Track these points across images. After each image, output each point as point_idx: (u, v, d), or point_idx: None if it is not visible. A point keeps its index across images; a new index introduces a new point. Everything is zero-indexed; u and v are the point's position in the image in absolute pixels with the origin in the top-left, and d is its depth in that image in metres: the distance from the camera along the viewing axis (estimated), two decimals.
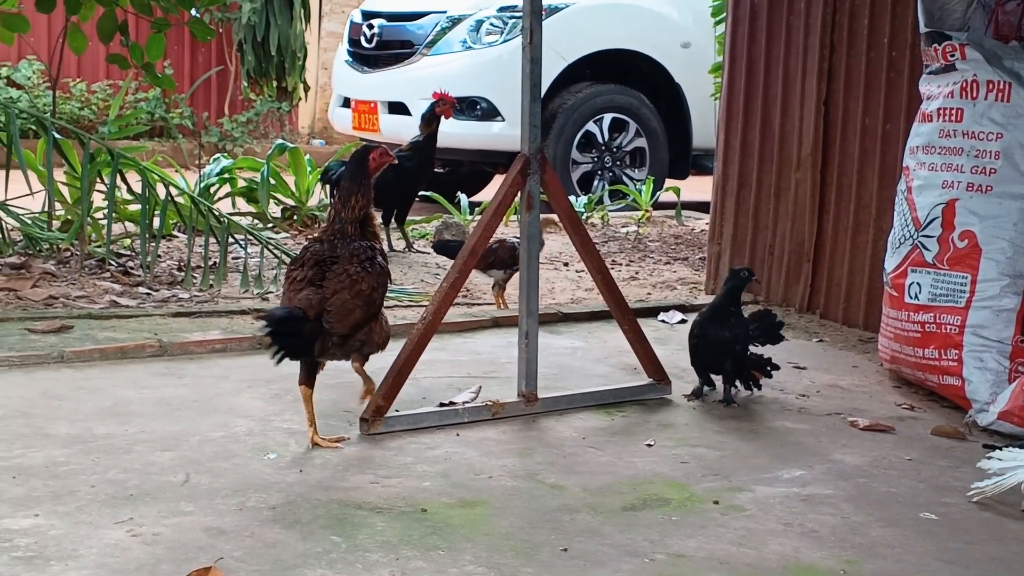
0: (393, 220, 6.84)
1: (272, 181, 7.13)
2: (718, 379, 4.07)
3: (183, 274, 5.62)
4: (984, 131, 3.99)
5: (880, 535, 2.93)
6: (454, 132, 8.12)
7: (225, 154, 8.28)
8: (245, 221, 6.70)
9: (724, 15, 6.10)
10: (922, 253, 4.10)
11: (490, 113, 9.10)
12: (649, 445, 3.55)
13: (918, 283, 4.09)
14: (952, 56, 4.07)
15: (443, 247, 5.49)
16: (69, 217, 6.04)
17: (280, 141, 7.68)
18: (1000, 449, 3.30)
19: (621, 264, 6.80)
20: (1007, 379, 3.85)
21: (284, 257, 5.74)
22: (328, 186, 6.89)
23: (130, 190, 5.88)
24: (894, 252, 4.25)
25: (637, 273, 6.55)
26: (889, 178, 4.82)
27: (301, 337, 3.28)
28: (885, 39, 4.94)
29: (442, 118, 6.73)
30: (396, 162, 3.62)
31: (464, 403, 3.79)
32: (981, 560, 2.80)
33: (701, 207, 8.46)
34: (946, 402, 4.07)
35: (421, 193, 7.15)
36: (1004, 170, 3.95)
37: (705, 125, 9.26)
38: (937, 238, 4.06)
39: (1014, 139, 3.94)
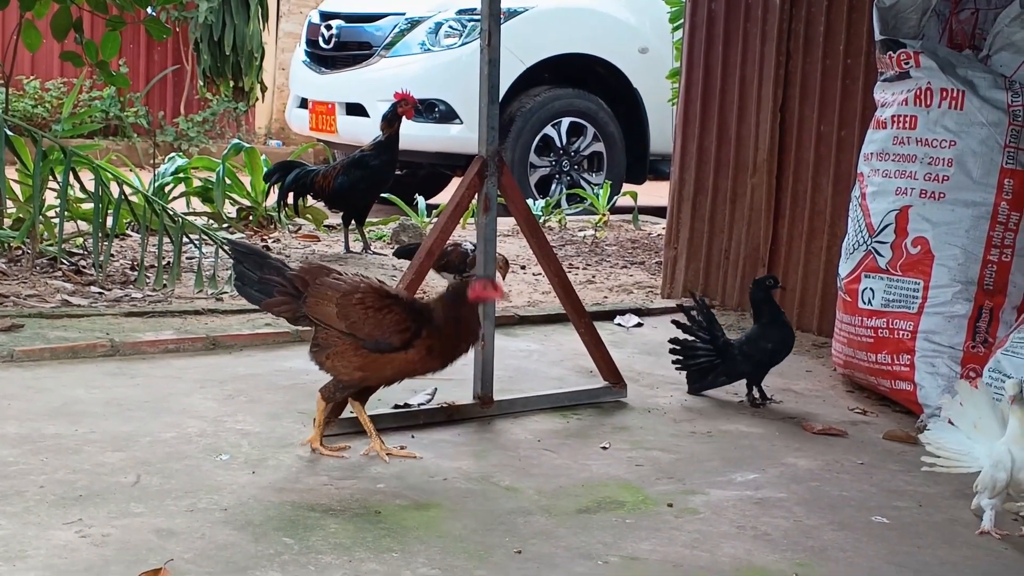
0: (352, 221, 6.81)
1: (228, 181, 7.08)
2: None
3: (136, 274, 5.56)
4: (937, 138, 4.03)
5: (832, 538, 2.95)
6: (412, 134, 8.10)
7: (180, 154, 8.20)
8: (200, 221, 6.64)
9: (682, 21, 6.13)
10: (875, 259, 4.13)
11: (448, 115, 9.09)
12: (604, 448, 3.56)
13: (871, 288, 4.13)
14: (906, 64, 4.11)
15: (405, 252, 5.46)
16: (20, 215, 5.96)
17: (236, 141, 7.63)
18: (933, 423, 3.32)
19: (578, 268, 6.81)
20: None
21: None
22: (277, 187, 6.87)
23: (83, 188, 5.81)
24: (848, 258, 4.28)
25: (594, 277, 6.56)
26: (843, 184, 4.86)
27: None
28: (840, 46, 4.98)
29: (403, 118, 6.72)
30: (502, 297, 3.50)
31: (419, 405, 3.78)
32: (931, 564, 2.83)
33: (658, 212, 8.48)
34: (898, 407, 4.11)
35: (380, 195, 7.13)
36: (957, 177, 3.99)
37: (663, 130, 9.29)
38: (890, 244, 4.09)
39: (967, 147, 3.98)
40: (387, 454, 3.33)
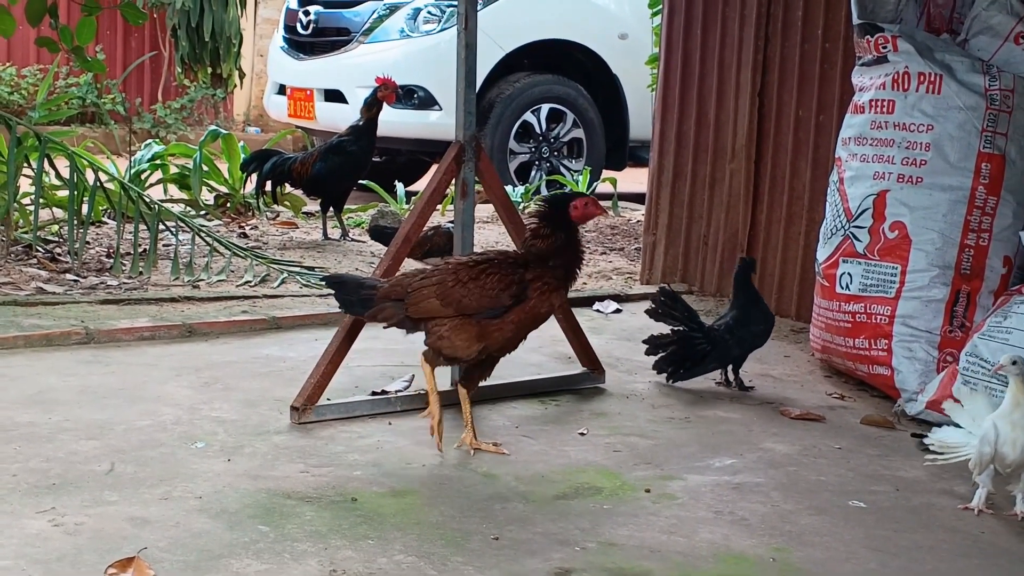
0: (331, 208, 6.78)
1: (205, 168, 7.04)
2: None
3: (112, 261, 5.52)
4: (915, 123, 4.03)
5: (809, 523, 2.95)
6: (392, 121, 8.05)
7: (157, 140, 8.15)
8: (177, 208, 6.60)
9: (660, 6, 6.10)
10: (853, 244, 4.13)
11: (427, 102, 9.05)
12: (582, 434, 3.55)
13: (849, 273, 4.12)
14: (884, 48, 4.10)
15: (379, 233, 5.45)
16: None
17: (213, 127, 7.58)
18: (938, 428, 3.32)
19: None
20: (935, 369, 3.90)
21: (216, 244, 5.67)
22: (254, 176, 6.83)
23: (58, 175, 5.77)
24: (826, 242, 4.28)
25: None
26: (822, 169, 4.85)
27: None
28: (819, 31, 4.97)
29: (384, 104, 6.69)
30: (605, 213, 3.46)
31: (397, 392, 3.76)
32: (908, 548, 2.83)
33: (637, 198, 8.47)
34: (876, 391, 4.11)
35: (358, 182, 7.10)
36: (934, 162, 3.99)
37: (642, 116, 9.26)
38: (868, 229, 4.09)
39: (944, 131, 3.98)
40: (475, 448, 3.31)
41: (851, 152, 4.22)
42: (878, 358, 4.01)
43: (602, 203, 3.45)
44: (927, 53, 4.03)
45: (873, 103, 4.14)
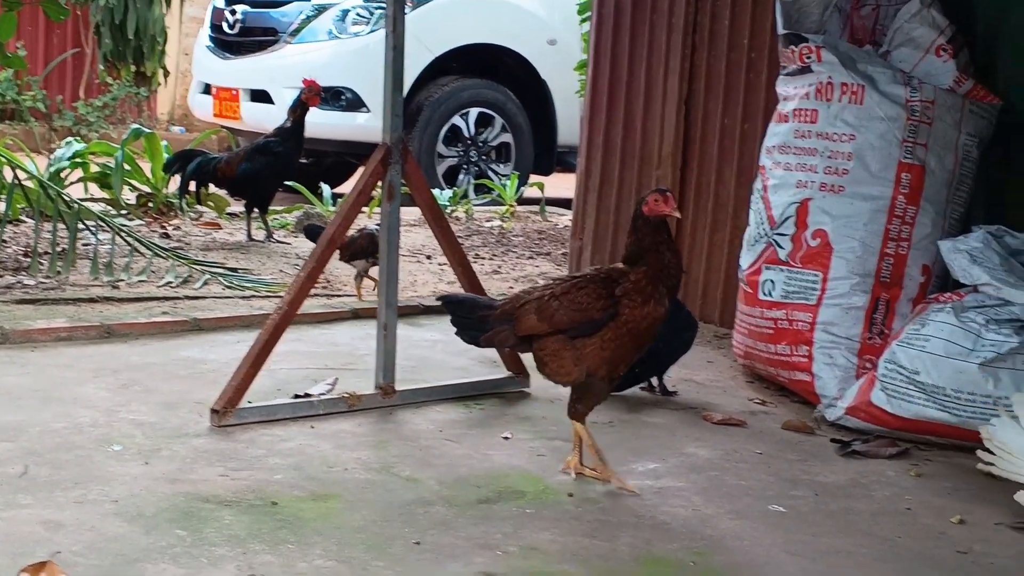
0: (255, 209, 6.71)
1: (127, 167, 6.94)
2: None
3: (29, 260, 5.41)
4: (837, 132, 4.08)
5: (729, 527, 2.97)
6: (319, 122, 8.00)
7: (78, 138, 8.01)
8: (97, 207, 6.49)
9: (590, 13, 6.13)
10: (776, 251, 4.17)
11: (355, 104, 9.00)
12: (506, 438, 3.54)
13: (772, 280, 4.16)
14: (808, 58, 4.15)
15: (313, 232, 5.37)
16: None
17: (135, 126, 7.46)
18: (996, 421, 3.15)
19: (484, 258, 6.79)
20: (855, 375, 3.95)
21: (137, 244, 5.58)
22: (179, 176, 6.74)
23: None
24: (749, 249, 4.32)
25: (500, 267, 6.55)
26: (746, 177, 4.90)
27: None
28: (745, 40, 5.02)
29: (309, 106, 6.63)
30: (671, 212, 3.13)
31: (319, 395, 3.73)
32: (827, 552, 2.86)
33: (565, 203, 8.48)
34: (796, 397, 4.16)
35: (284, 183, 7.03)
36: (856, 171, 4.05)
37: (571, 122, 9.30)
38: (791, 236, 4.14)
39: (866, 141, 4.04)
40: (578, 473, 3.20)
41: (775, 160, 4.26)
42: (799, 364, 4.05)
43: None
44: (850, 64, 4.09)
45: (797, 112, 4.19)
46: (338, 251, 4.73)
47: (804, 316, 4.06)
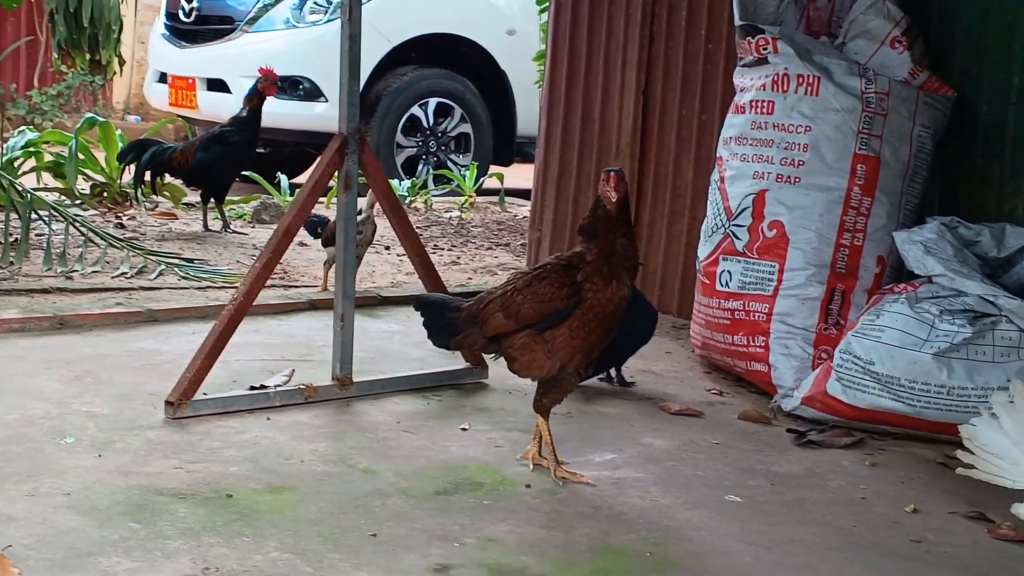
0: (212, 199, 6.66)
1: (81, 156, 6.86)
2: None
3: None
4: (793, 124, 4.10)
5: (686, 517, 2.97)
6: (276, 112, 7.96)
7: (32, 127, 7.91)
8: (51, 197, 6.42)
9: (548, 3, 6.12)
10: (733, 242, 4.19)
11: (313, 93, 8.95)
12: (464, 429, 3.53)
13: (729, 271, 4.18)
14: (765, 49, 4.17)
15: (311, 225, 5.30)
16: None
17: (90, 115, 7.39)
18: (977, 420, 3.07)
19: (443, 249, 6.77)
20: (811, 366, 3.97)
21: (91, 235, 5.52)
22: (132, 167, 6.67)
23: None
24: (706, 240, 4.33)
25: (459, 258, 6.54)
26: (704, 168, 4.91)
27: None
28: (702, 31, 5.03)
29: (266, 95, 6.58)
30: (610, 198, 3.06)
31: (276, 386, 3.70)
32: (782, 542, 2.87)
33: (524, 194, 8.49)
34: (753, 388, 4.18)
35: (241, 173, 6.98)
36: (812, 162, 4.07)
37: (530, 112, 9.28)
38: (747, 227, 4.15)
39: (822, 132, 4.06)
40: (536, 464, 3.19)
41: (732, 152, 4.28)
42: (756, 355, 4.07)
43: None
44: (806, 55, 4.10)
45: (753, 104, 4.20)
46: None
47: (760, 307, 4.08)
